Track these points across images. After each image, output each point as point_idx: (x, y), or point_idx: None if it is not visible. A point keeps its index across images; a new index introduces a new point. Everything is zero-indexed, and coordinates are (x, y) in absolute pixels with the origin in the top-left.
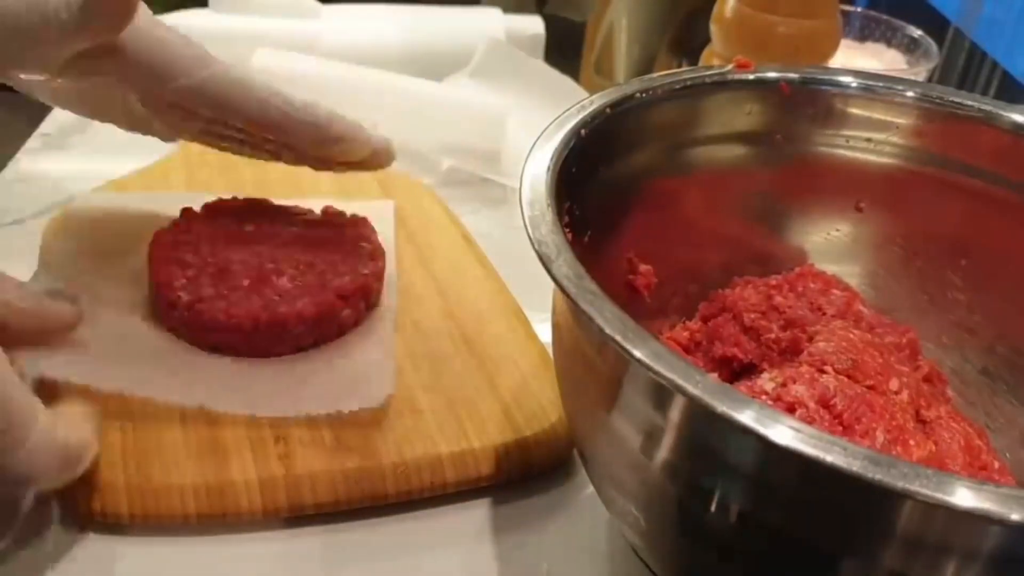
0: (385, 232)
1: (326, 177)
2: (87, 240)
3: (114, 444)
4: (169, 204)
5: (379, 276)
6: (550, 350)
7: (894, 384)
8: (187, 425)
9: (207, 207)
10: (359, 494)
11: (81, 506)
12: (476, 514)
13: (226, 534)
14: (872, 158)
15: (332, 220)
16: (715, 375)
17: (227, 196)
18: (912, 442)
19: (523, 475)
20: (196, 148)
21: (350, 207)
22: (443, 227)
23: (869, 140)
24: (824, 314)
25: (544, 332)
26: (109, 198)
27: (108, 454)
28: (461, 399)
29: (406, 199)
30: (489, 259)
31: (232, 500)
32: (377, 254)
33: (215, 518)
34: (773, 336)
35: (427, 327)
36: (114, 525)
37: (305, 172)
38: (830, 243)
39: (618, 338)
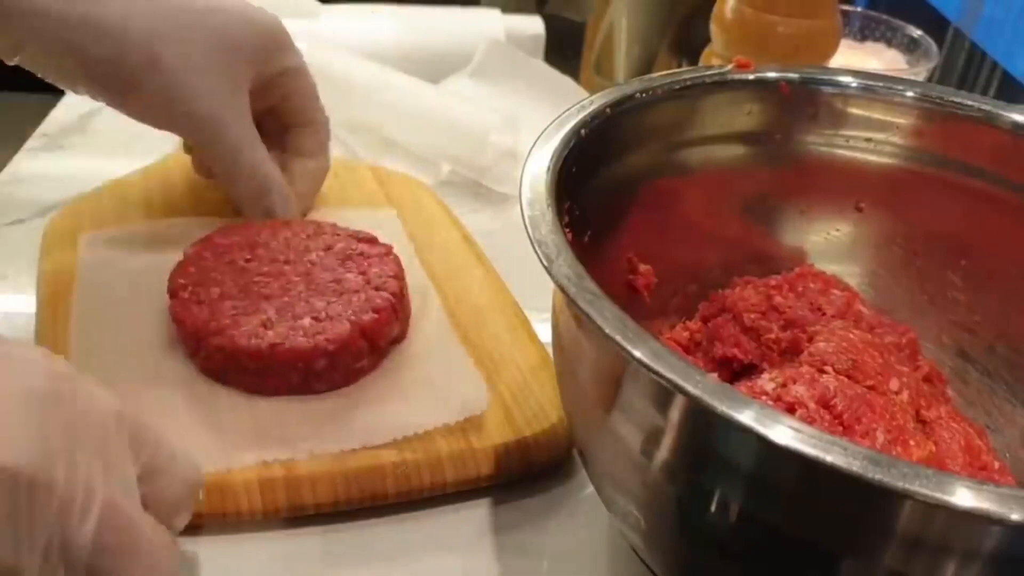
0: (398, 241)
1: (328, 185)
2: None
3: None
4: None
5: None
6: (550, 350)
7: (894, 384)
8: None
9: (213, 240)
10: (359, 494)
11: None
12: (476, 514)
13: (226, 534)
14: (872, 158)
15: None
16: (715, 375)
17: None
18: (912, 442)
19: (523, 475)
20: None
21: (354, 218)
22: (443, 226)
23: (869, 140)
24: (824, 314)
25: (544, 332)
26: (128, 230)
27: None
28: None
29: (405, 199)
30: (489, 259)
31: (232, 500)
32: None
33: (215, 518)
34: (773, 336)
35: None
36: None
37: None
38: (830, 243)
39: (618, 338)
